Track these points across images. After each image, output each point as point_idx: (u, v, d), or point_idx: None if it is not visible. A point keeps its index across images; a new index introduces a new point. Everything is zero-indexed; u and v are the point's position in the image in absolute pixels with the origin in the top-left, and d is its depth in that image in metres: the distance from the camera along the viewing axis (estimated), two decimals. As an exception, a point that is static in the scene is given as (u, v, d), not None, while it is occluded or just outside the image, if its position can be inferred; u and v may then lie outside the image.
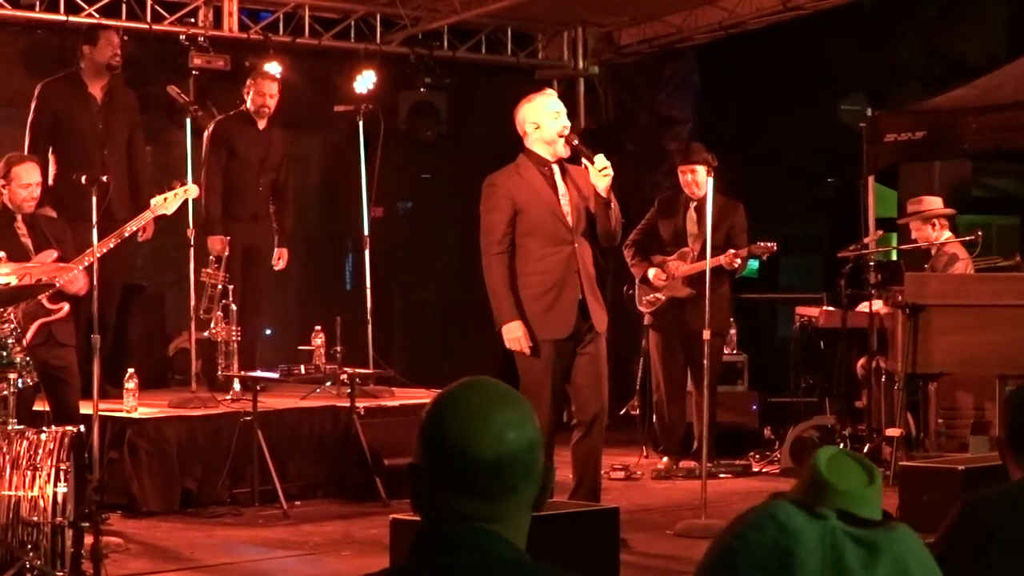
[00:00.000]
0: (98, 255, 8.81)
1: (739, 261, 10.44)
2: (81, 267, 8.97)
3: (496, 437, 2.44)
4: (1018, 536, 3.61)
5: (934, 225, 11.14)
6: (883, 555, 1.64)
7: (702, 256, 9.56)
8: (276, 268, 11.15)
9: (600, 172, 7.83)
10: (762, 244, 10.50)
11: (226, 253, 10.53)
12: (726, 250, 10.40)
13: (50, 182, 10.03)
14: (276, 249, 11.10)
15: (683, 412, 10.92)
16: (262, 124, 10.97)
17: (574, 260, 7.95)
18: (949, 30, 16.32)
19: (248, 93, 10.92)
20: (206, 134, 10.66)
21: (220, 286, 10.34)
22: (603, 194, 7.90)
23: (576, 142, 7.94)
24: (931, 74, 15.71)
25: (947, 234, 11.17)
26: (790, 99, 16.30)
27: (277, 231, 11.15)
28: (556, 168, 8.03)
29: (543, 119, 7.99)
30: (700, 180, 10.29)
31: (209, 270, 10.32)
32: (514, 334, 7.92)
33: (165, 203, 9.67)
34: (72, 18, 11.15)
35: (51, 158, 10.21)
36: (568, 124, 7.98)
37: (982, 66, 12.94)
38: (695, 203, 10.52)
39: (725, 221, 10.57)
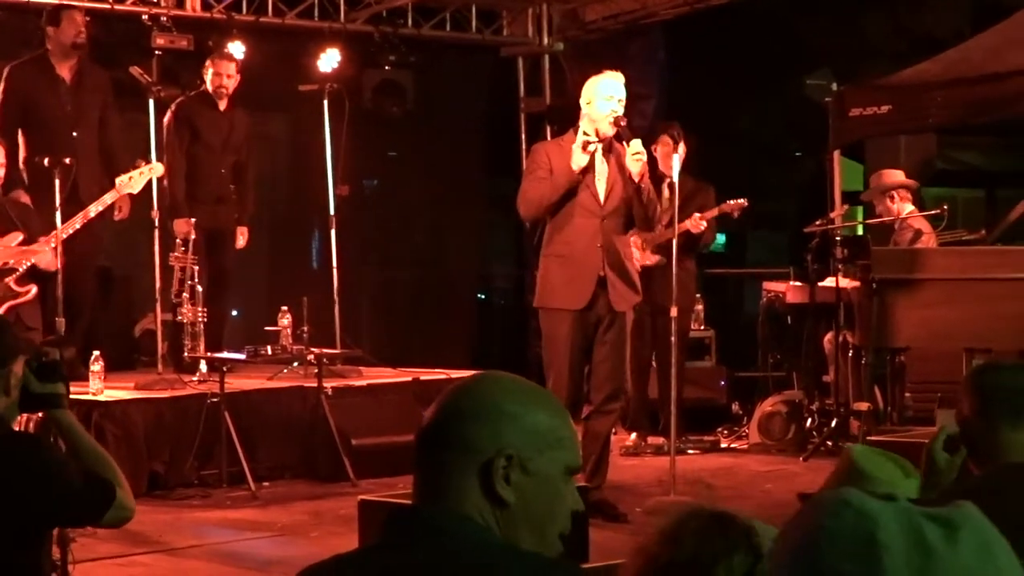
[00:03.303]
0: (63, 236, 8.78)
1: (704, 224, 10.48)
2: (50, 245, 8.95)
3: (434, 406, 2.44)
4: None
5: (893, 198, 11.16)
6: (963, 531, 1.62)
7: (669, 226, 9.60)
8: (237, 247, 11.12)
9: (633, 156, 8.07)
10: (731, 202, 10.56)
11: (192, 236, 10.50)
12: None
13: (21, 165, 10.00)
14: (237, 227, 11.08)
15: (645, 387, 10.92)
16: (223, 105, 10.93)
17: (599, 235, 8.15)
18: (916, 5, 16.32)
19: (206, 74, 10.89)
20: (167, 116, 10.61)
21: (188, 269, 10.32)
22: (635, 178, 8.12)
23: (623, 124, 8.10)
24: (899, 50, 15.72)
25: (909, 207, 11.19)
26: (758, 75, 16.30)
27: (238, 210, 11.13)
28: (600, 146, 8.19)
29: (596, 97, 8.16)
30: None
31: (176, 254, 10.28)
32: (575, 155, 8.06)
33: (130, 182, 9.70)
34: (34, -1, 11.07)
35: (21, 141, 10.13)
36: (618, 110, 8.12)
37: (948, 41, 12.93)
38: (668, 180, 10.43)
39: (694, 201, 10.57)
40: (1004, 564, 1.64)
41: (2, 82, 10.30)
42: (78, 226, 9.54)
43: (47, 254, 9.08)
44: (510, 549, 2.39)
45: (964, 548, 1.61)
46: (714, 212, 10.53)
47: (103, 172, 10.33)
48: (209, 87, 10.86)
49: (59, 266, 8.98)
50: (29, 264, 9.25)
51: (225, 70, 10.89)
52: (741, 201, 10.58)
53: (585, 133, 8.19)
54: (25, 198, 9.77)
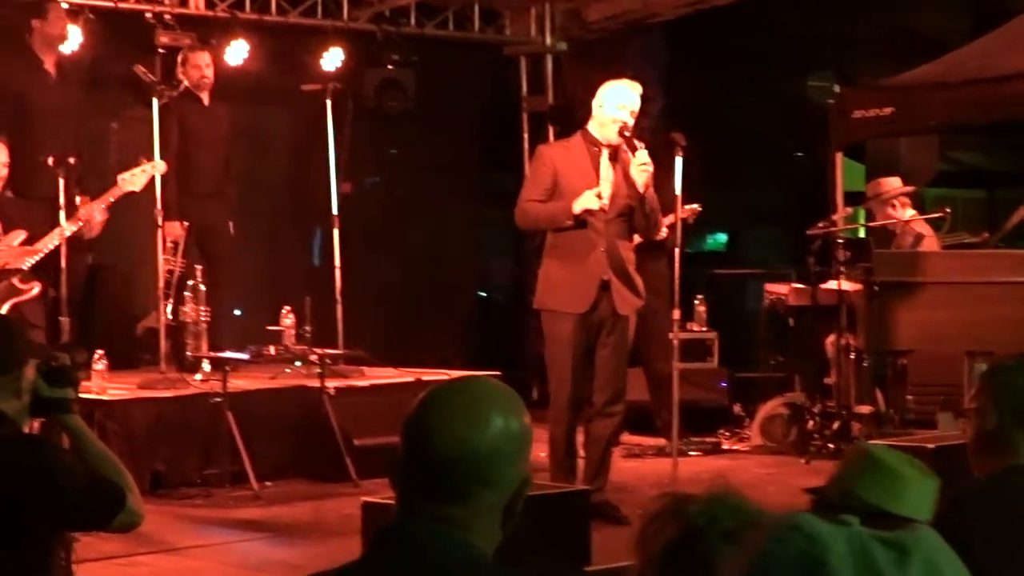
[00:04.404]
0: (67, 234, 8.79)
1: (665, 231, 10.46)
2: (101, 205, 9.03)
3: (448, 435, 2.40)
4: (1005, 535, 3.56)
5: (894, 205, 11.18)
6: (913, 556, 1.62)
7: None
8: None
9: (639, 166, 8.08)
10: (686, 207, 10.54)
11: (182, 240, 10.50)
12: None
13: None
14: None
15: None
16: (206, 99, 10.91)
17: (602, 240, 8.15)
18: (916, 7, 16.34)
19: (183, 70, 10.87)
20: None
21: (178, 272, 10.32)
22: (640, 188, 8.13)
23: (628, 133, 8.12)
24: (899, 51, 15.75)
25: (910, 212, 11.20)
26: (759, 75, 16.30)
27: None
28: (606, 152, 8.22)
29: (609, 103, 8.19)
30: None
31: (167, 256, 10.29)
32: (579, 201, 8.03)
33: (132, 179, 9.70)
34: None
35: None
36: (628, 121, 8.12)
37: (949, 43, 12.96)
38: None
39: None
40: None
41: None
42: (80, 225, 9.54)
43: (93, 211, 9.22)
44: (510, 570, 2.41)
45: (913, 572, 1.60)
46: (670, 219, 10.49)
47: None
48: (189, 83, 10.84)
49: (62, 266, 8.98)
50: (34, 260, 9.26)
51: (202, 61, 10.88)
52: (695, 207, 10.63)
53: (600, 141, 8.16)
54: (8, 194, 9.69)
